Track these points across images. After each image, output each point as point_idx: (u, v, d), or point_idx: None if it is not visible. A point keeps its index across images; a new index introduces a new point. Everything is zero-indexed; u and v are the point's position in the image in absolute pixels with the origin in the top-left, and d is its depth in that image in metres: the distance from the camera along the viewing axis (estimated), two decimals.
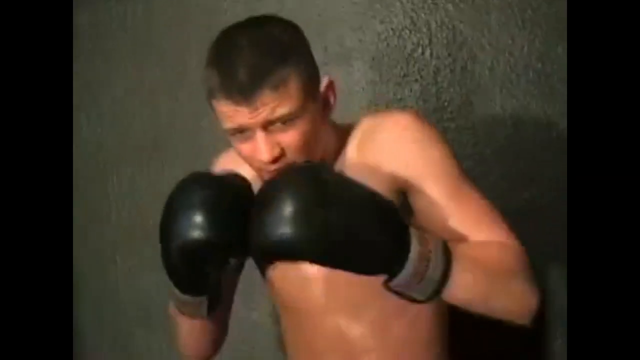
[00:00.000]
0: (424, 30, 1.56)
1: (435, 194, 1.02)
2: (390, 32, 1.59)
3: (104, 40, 1.80)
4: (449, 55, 1.55)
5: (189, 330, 1.13)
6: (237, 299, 1.22)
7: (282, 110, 0.96)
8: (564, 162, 1.47)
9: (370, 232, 0.86)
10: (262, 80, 0.94)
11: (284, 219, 0.82)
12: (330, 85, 1.06)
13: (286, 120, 0.97)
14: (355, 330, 1.11)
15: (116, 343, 1.90)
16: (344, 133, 1.10)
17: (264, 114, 0.95)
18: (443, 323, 1.16)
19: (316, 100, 1.02)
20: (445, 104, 1.56)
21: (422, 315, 1.12)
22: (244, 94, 0.94)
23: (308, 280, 1.11)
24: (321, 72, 1.04)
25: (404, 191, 1.04)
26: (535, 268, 1.00)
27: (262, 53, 0.96)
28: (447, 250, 0.92)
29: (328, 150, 1.08)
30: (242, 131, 0.98)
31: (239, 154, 1.03)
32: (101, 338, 1.92)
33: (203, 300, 1.02)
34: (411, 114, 1.08)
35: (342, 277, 0.93)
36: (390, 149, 1.05)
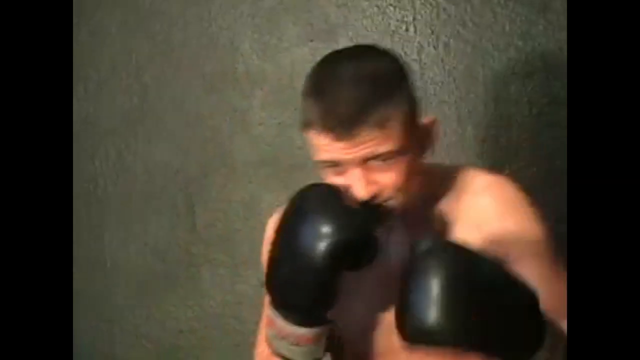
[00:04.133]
0: (408, 7, 1.58)
1: (530, 272, 0.93)
2: (375, 9, 1.61)
3: (91, 15, 1.80)
4: (432, 32, 1.57)
5: None
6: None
7: (383, 148, 0.92)
8: (540, 138, 1.51)
9: (511, 318, 0.85)
10: (365, 115, 0.90)
11: (435, 310, 0.81)
12: (434, 124, 1.02)
13: (386, 159, 0.93)
14: None
15: (104, 316, 1.93)
16: (434, 177, 1.05)
17: (364, 151, 0.91)
18: None
19: (416, 137, 0.97)
20: (428, 80, 1.58)
21: None
22: (344, 128, 0.90)
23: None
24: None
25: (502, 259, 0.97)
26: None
27: (367, 88, 0.92)
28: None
29: (418, 191, 1.00)
30: (337, 165, 0.94)
31: None
32: (89, 312, 1.94)
33: (323, 331, 0.94)
34: (514, 183, 1.07)
35: None
36: (497, 217, 1.02)
